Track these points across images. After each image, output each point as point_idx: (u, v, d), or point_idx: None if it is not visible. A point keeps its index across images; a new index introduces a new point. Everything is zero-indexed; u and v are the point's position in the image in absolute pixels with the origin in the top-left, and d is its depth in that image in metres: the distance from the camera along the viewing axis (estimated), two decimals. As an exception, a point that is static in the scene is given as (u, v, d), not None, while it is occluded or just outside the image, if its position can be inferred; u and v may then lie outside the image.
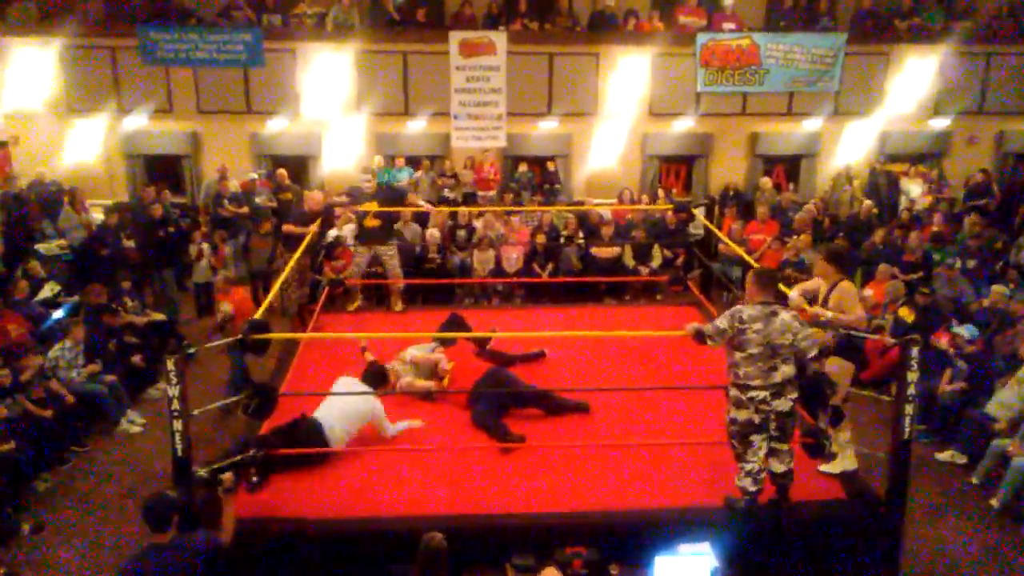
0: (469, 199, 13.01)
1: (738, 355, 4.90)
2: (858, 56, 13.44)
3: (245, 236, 11.34)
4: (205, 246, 10.74)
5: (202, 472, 4.94)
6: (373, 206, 9.09)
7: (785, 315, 4.90)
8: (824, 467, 5.63)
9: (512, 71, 12.95)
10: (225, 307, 7.26)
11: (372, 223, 9.15)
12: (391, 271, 9.35)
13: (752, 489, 5.03)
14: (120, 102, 13.04)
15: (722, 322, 4.92)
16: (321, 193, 10.14)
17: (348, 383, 6.19)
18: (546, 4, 13.62)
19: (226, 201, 11.81)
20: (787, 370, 4.89)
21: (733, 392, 4.99)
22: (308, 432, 5.71)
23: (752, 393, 4.88)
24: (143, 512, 4.15)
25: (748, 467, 5.02)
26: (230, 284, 7.67)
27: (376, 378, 6.34)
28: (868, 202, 12.45)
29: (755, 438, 4.96)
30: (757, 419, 4.92)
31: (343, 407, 5.90)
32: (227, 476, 4.64)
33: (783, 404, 4.91)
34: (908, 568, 5.40)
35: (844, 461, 5.62)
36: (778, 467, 5.06)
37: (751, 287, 5.05)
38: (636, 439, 6.04)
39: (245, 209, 11.86)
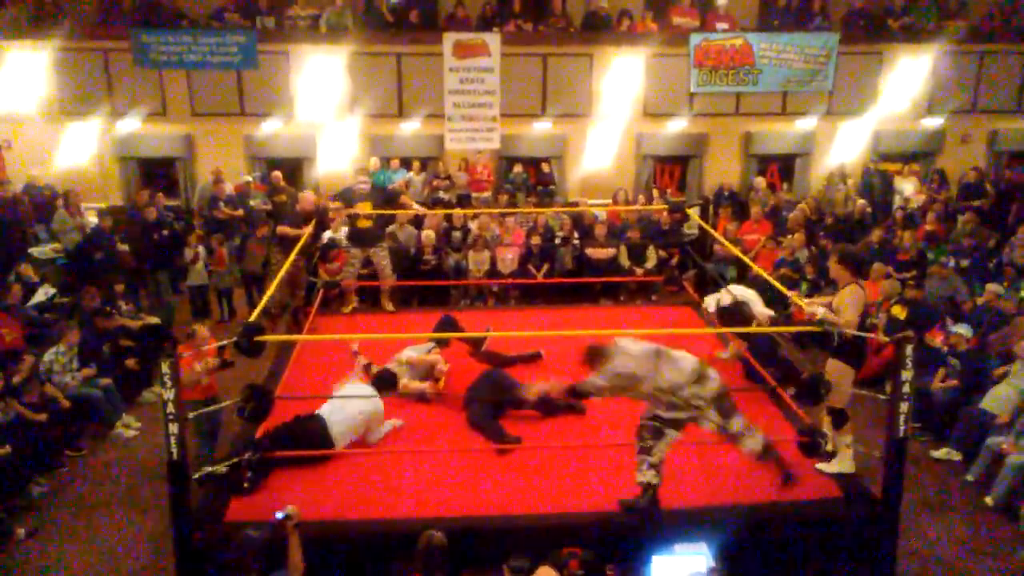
0: (464, 200, 13.00)
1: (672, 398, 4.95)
2: (851, 55, 13.48)
3: (240, 239, 11.33)
4: (200, 249, 10.71)
5: (216, 470, 4.92)
6: (367, 207, 9.07)
7: (669, 354, 4.94)
8: (821, 465, 5.62)
9: (506, 72, 12.96)
10: (199, 366, 6.64)
11: (364, 224, 9.15)
12: (382, 272, 9.35)
13: (655, 482, 5.03)
14: (113, 105, 13.01)
15: (601, 380, 4.95)
16: (314, 194, 10.11)
17: (356, 388, 6.22)
18: (540, 5, 13.63)
19: (222, 204, 11.79)
20: (711, 371, 5.00)
21: (670, 398, 4.97)
22: (312, 429, 5.73)
23: (697, 402, 4.95)
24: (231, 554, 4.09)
25: (653, 459, 5.01)
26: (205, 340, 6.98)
27: (386, 383, 6.35)
28: (861, 201, 12.48)
29: (670, 432, 5.01)
30: (684, 416, 4.96)
31: (349, 406, 5.92)
32: (293, 509, 4.54)
33: (715, 392, 4.97)
34: (904, 565, 5.42)
35: (843, 463, 5.60)
36: (754, 444, 5.06)
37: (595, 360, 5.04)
38: (631, 439, 6.03)
39: (240, 212, 11.85)
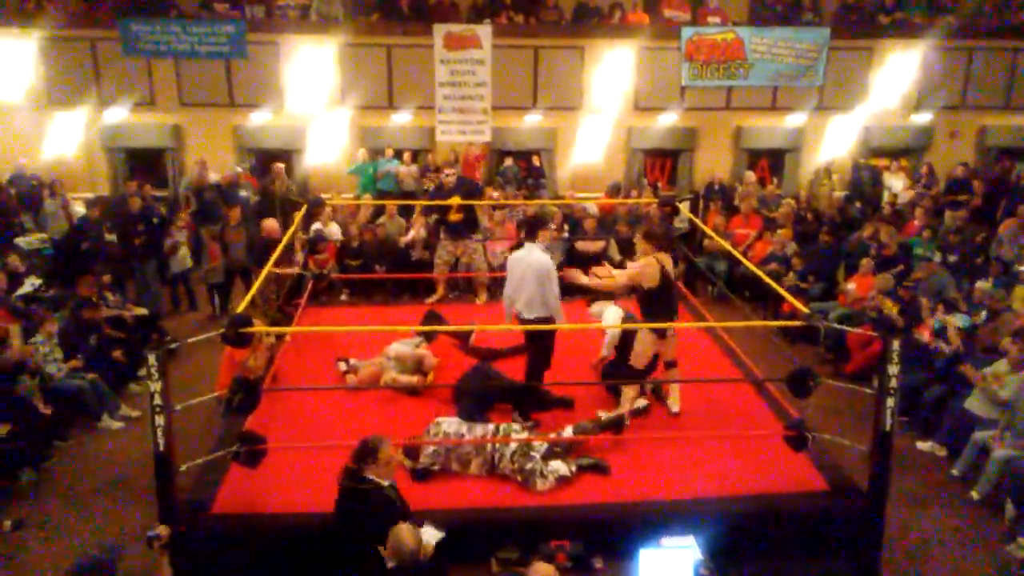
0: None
1: None
2: (842, 51, 13.49)
3: (221, 229, 11.21)
4: (180, 236, 10.55)
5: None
6: (457, 199, 9.45)
7: None
8: (602, 413, 6.30)
9: (497, 64, 12.90)
10: (251, 362, 6.64)
11: (456, 217, 9.50)
12: (476, 265, 9.75)
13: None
14: (101, 95, 12.91)
15: None
16: (276, 223, 9.82)
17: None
18: (531, -3, 13.58)
19: (206, 194, 11.69)
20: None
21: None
22: None
23: None
24: None
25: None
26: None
27: None
28: (838, 194, 12.51)
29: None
30: None
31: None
32: (164, 529, 4.33)
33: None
34: (889, 558, 5.44)
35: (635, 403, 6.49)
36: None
37: None
38: (621, 436, 6.04)
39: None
